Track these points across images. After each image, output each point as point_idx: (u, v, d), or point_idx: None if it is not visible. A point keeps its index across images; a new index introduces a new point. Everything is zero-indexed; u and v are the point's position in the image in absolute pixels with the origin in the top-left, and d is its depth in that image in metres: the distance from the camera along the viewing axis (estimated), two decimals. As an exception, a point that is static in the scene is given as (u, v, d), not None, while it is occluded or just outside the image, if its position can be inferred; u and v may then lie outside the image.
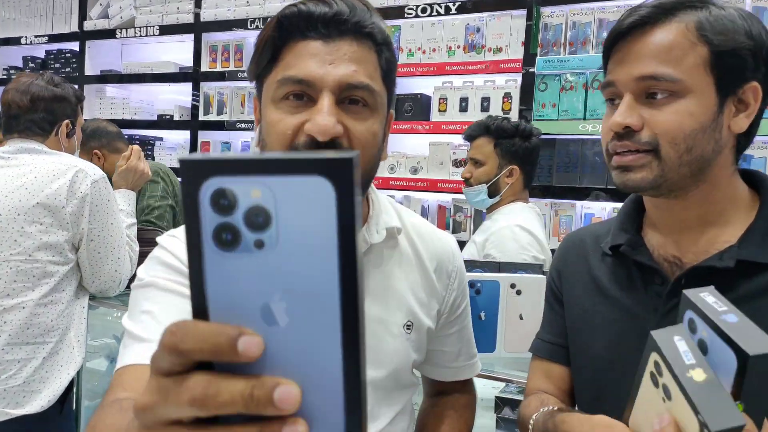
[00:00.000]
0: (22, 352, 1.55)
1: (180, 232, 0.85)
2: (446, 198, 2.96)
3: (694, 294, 0.61)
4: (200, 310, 0.33)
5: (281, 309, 0.32)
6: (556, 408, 0.88)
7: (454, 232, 2.89)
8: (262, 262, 0.32)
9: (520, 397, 1.47)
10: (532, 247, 1.85)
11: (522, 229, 1.88)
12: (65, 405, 1.65)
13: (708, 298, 0.61)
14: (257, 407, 0.31)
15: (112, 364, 2.17)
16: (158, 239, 0.86)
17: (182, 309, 0.76)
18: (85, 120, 2.10)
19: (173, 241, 0.84)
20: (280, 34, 0.77)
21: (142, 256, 1.93)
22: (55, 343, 1.60)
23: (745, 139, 0.84)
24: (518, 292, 1.48)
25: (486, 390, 1.61)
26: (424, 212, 3.05)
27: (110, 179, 2.40)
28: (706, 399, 0.52)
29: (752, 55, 0.79)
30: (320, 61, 0.75)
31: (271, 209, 0.31)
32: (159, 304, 0.77)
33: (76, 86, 1.94)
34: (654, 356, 0.58)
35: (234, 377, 0.31)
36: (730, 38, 0.78)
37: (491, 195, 2.00)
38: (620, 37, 0.82)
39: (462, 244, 2.85)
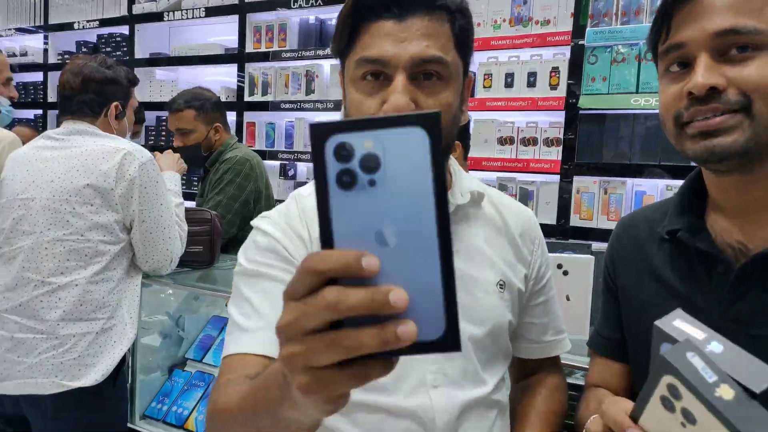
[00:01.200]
0: (76, 327, 1.61)
1: (272, 212, 0.93)
2: (490, 176, 2.90)
3: (667, 326, 0.60)
4: (328, 242, 0.41)
5: (391, 232, 0.40)
6: None
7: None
8: (375, 197, 0.40)
9: (568, 380, 1.44)
10: None
11: None
12: (118, 378, 1.71)
13: (681, 325, 0.59)
14: (377, 308, 0.38)
15: (165, 340, 2.23)
16: (253, 223, 0.93)
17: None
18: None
19: (268, 224, 0.90)
20: (356, 16, 0.82)
21: (191, 236, 1.98)
22: (107, 319, 1.65)
23: None
24: (565, 273, 1.44)
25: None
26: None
27: (217, 158, 2.44)
28: (743, 417, 0.49)
29: None
30: (394, 40, 0.79)
31: (380, 155, 0.40)
32: (260, 293, 0.84)
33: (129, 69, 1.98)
34: (667, 379, 0.54)
35: (357, 287, 0.39)
36: None
37: None
38: None
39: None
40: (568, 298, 1.45)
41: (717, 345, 0.56)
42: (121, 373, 1.72)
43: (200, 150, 2.47)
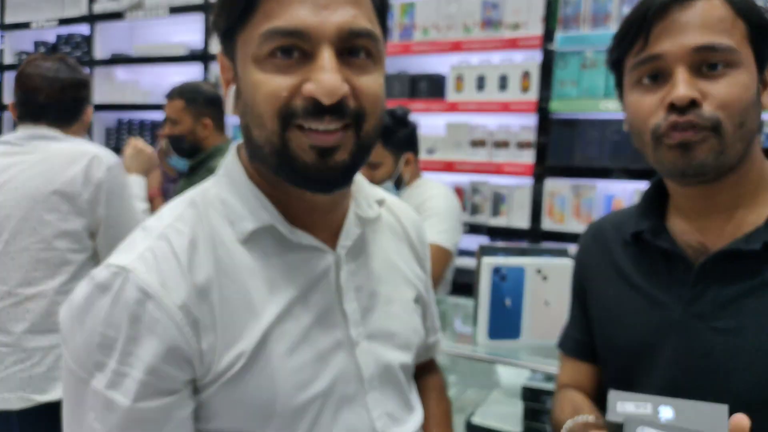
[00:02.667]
0: (45, 339, 1.55)
1: (145, 256, 0.70)
2: (463, 179, 2.91)
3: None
4: None
5: None
6: (589, 420, 0.84)
7: (473, 213, 2.86)
8: None
9: (546, 386, 1.45)
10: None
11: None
12: (88, 392, 1.66)
13: (625, 406, 0.61)
14: None
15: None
16: (98, 275, 0.69)
17: None
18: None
19: (151, 279, 0.68)
20: None
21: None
22: (76, 332, 1.60)
23: None
24: (544, 278, 1.45)
25: (511, 378, 1.60)
26: (441, 193, 3.01)
27: (204, 160, 2.29)
28: None
29: None
30: (312, 5, 0.63)
31: None
32: None
33: (87, 69, 1.93)
34: None
35: None
36: (758, 14, 0.77)
37: (398, 186, 2.09)
38: (663, 8, 0.78)
39: (481, 228, 2.81)
40: (547, 303, 1.46)
41: (666, 408, 0.57)
42: (90, 386, 1.67)
43: (184, 143, 2.30)
